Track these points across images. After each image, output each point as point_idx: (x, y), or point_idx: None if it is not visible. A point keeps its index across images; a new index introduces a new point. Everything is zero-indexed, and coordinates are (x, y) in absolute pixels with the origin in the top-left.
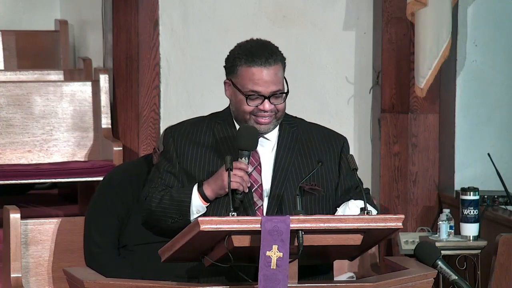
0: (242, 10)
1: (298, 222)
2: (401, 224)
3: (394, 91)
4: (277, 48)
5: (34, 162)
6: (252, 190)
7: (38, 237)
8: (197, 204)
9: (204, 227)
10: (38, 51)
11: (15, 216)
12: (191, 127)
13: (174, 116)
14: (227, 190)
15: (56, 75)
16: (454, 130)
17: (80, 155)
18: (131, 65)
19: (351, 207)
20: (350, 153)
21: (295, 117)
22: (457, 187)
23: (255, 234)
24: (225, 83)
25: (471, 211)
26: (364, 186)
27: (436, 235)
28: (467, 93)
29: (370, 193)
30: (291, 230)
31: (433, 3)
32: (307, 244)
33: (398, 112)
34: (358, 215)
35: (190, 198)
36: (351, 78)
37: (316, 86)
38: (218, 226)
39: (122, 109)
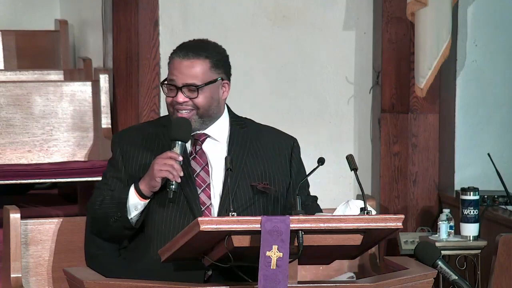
0: (242, 10)
1: (298, 222)
2: (401, 224)
3: (394, 91)
4: (214, 47)
5: (34, 162)
6: (200, 190)
7: (38, 237)
8: (134, 201)
9: (204, 227)
10: (38, 51)
11: (15, 216)
12: (136, 133)
13: None
14: (157, 179)
15: (56, 75)
16: (454, 130)
17: (80, 155)
18: (131, 65)
19: (352, 207)
20: (350, 153)
21: (244, 117)
22: (457, 187)
23: (255, 234)
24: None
25: (471, 211)
26: (364, 186)
27: (436, 235)
28: (467, 93)
29: (370, 193)
30: (291, 230)
31: (433, 3)
32: (307, 244)
33: (398, 112)
34: (358, 215)
35: (127, 195)
36: (351, 78)
37: (316, 86)
38: (218, 226)
39: (122, 109)
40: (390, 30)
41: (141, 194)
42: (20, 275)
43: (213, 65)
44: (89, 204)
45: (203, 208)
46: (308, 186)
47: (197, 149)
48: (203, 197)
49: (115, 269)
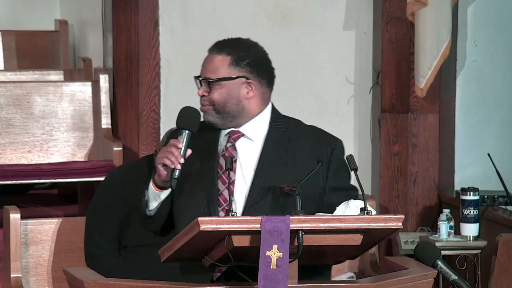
0: (242, 10)
1: (298, 222)
2: (401, 224)
3: (394, 91)
4: (243, 44)
5: (34, 162)
6: (224, 187)
7: (38, 237)
8: (152, 191)
9: (204, 227)
10: (38, 51)
11: (15, 216)
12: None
13: (174, 116)
14: (159, 166)
15: (56, 75)
16: (454, 130)
17: (80, 155)
18: (131, 65)
19: (351, 207)
20: (350, 153)
21: (290, 118)
22: (457, 187)
23: (255, 234)
24: None
25: (471, 211)
26: (364, 186)
27: (436, 235)
28: (467, 93)
29: (370, 193)
30: (291, 230)
31: (433, 3)
32: (307, 244)
33: (398, 112)
34: (358, 215)
35: (148, 184)
36: (351, 78)
37: (316, 86)
38: (218, 226)
39: (122, 109)
40: (390, 30)
41: (156, 184)
42: (20, 275)
43: (233, 62)
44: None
45: (224, 205)
46: (351, 188)
47: (228, 146)
48: (226, 194)
49: (115, 269)
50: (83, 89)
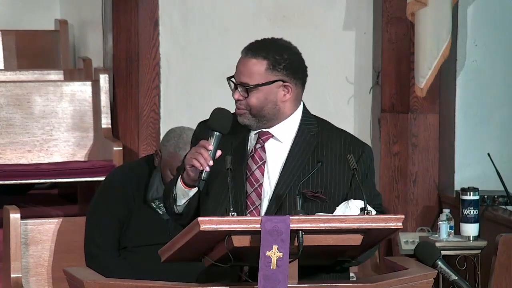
0: (242, 10)
1: (298, 222)
2: (401, 224)
3: (394, 91)
4: (278, 47)
5: (34, 162)
6: (252, 189)
7: (38, 237)
8: (180, 188)
9: (204, 227)
10: (38, 51)
11: (15, 216)
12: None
13: (174, 116)
14: (187, 167)
15: (56, 75)
16: (454, 130)
17: (80, 155)
18: (131, 65)
19: (351, 207)
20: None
21: (321, 119)
22: (457, 187)
23: (255, 234)
24: None
25: (471, 211)
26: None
27: (436, 235)
28: (467, 93)
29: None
30: (291, 230)
31: (433, 3)
32: (307, 244)
33: (398, 112)
34: (358, 215)
35: (176, 182)
36: (351, 78)
37: (316, 86)
38: (218, 226)
39: (122, 109)
40: (390, 30)
41: (184, 182)
42: (20, 275)
43: (270, 67)
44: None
45: (251, 208)
46: (375, 195)
47: (257, 147)
48: (253, 196)
49: (115, 269)
50: (83, 89)
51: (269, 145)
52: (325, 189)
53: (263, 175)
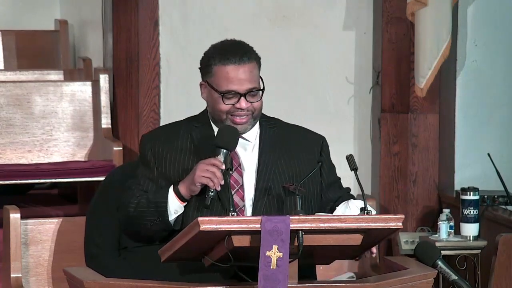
0: (242, 10)
1: (298, 222)
2: (401, 224)
3: (394, 91)
4: (251, 47)
5: (34, 162)
6: (233, 192)
7: (38, 237)
8: (174, 204)
9: (204, 227)
10: (38, 51)
11: (15, 216)
12: (167, 133)
13: (174, 116)
14: (197, 184)
15: (56, 75)
16: (454, 130)
17: (80, 155)
18: (131, 65)
19: (351, 207)
20: (350, 153)
21: (273, 117)
22: (457, 187)
23: (255, 234)
24: (200, 85)
25: (471, 211)
26: (364, 186)
27: (436, 235)
28: (467, 93)
29: (370, 193)
30: (291, 230)
31: (433, 3)
32: (307, 244)
33: (398, 112)
34: (358, 215)
35: (166, 198)
36: (351, 78)
37: (316, 86)
38: (218, 226)
39: (122, 109)
40: (390, 30)
41: (181, 197)
42: (20, 275)
43: (259, 66)
44: (122, 205)
45: (236, 210)
46: (337, 180)
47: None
48: (236, 199)
49: (115, 269)
50: (83, 89)
51: (239, 146)
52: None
53: (242, 176)
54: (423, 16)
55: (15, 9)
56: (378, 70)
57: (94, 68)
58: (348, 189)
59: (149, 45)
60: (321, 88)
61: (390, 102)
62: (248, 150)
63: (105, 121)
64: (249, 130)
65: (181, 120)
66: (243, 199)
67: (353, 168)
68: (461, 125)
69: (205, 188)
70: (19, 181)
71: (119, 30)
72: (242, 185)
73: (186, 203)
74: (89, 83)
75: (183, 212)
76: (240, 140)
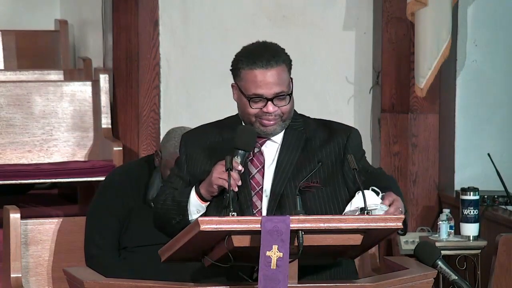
0: (242, 10)
1: (298, 222)
2: (401, 224)
3: (394, 91)
4: (282, 49)
5: (34, 162)
6: (254, 193)
7: (38, 237)
8: (196, 204)
9: (204, 227)
10: (38, 51)
11: (15, 216)
12: (203, 132)
13: (174, 116)
14: (214, 186)
15: (56, 75)
16: (454, 130)
17: (80, 155)
18: (131, 65)
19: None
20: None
21: (301, 115)
22: (457, 187)
23: (255, 234)
24: (232, 86)
25: (471, 211)
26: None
27: (436, 235)
28: (467, 93)
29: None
30: (291, 230)
31: (433, 3)
32: (307, 244)
33: (398, 112)
34: (358, 215)
35: (188, 198)
36: (351, 78)
37: (316, 86)
38: (218, 226)
39: (122, 109)
40: (390, 30)
41: (202, 197)
42: (20, 275)
43: (288, 69)
44: (154, 199)
45: (254, 212)
46: (364, 167)
47: (255, 151)
48: (255, 199)
49: (115, 269)
50: (83, 89)
51: (266, 147)
52: (320, 177)
53: (263, 177)
54: (423, 16)
55: (15, 9)
56: (378, 70)
57: (94, 68)
58: (380, 169)
59: (149, 45)
60: (321, 88)
61: (390, 102)
62: (272, 150)
63: (105, 121)
64: (278, 132)
65: (221, 119)
66: (261, 200)
67: (353, 168)
68: (461, 125)
69: (224, 189)
70: (19, 181)
71: (119, 30)
72: (262, 186)
73: (208, 203)
74: (89, 83)
75: (205, 212)
76: (269, 141)
